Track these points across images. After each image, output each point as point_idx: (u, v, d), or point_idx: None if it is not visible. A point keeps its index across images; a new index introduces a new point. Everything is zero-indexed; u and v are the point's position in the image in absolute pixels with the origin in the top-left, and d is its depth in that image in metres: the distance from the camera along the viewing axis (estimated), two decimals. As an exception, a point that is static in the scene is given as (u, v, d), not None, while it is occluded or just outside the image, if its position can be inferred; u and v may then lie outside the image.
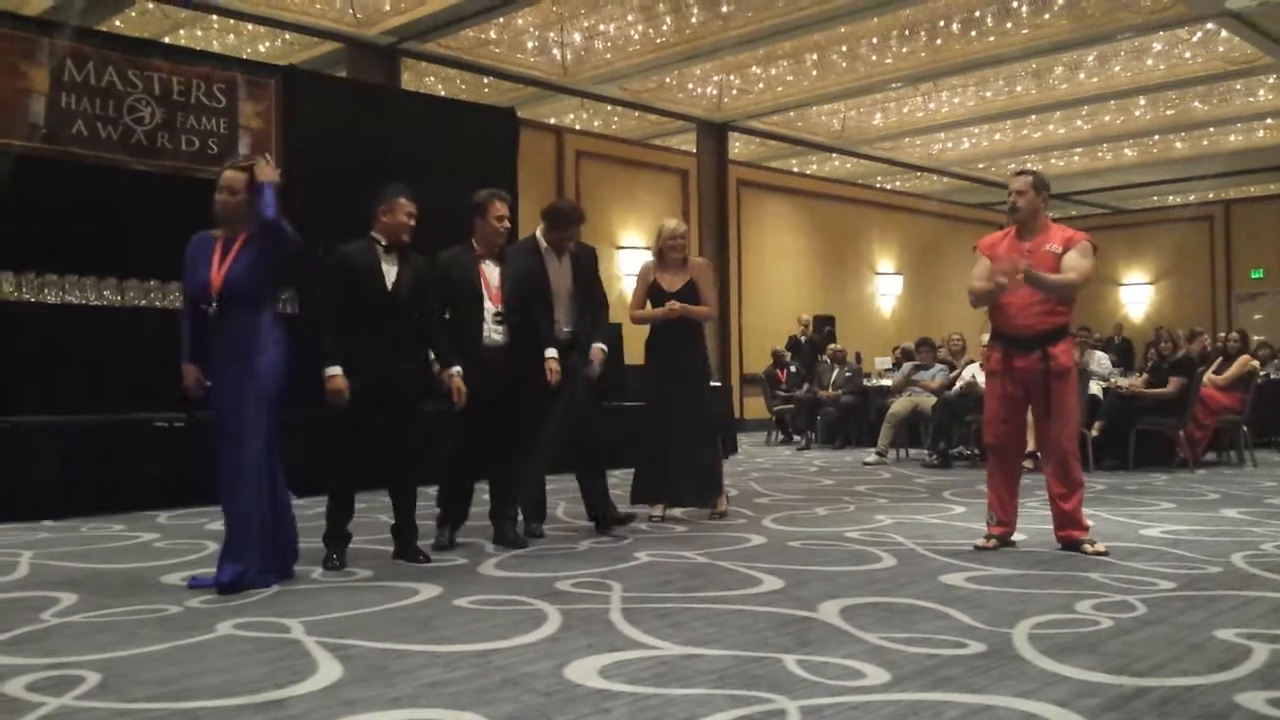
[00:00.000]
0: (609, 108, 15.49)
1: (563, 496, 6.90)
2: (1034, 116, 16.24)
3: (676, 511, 6.62)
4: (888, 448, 10.83)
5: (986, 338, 10.59)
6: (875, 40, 13.10)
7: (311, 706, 2.83)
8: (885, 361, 13.76)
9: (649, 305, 6.52)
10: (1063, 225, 5.42)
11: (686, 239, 6.60)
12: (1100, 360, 10.87)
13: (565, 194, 13.94)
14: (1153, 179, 20.15)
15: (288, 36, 12.22)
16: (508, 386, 5.43)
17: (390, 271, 4.97)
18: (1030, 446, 6.76)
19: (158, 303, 7.98)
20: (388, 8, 11.55)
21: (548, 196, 14.12)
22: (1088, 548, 5.08)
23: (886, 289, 19.25)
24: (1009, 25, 12.47)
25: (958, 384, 10.50)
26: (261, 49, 12.47)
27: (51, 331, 7.44)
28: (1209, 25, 12.44)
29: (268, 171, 4.47)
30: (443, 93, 13.91)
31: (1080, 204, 21.71)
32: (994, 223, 21.29)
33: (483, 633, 3.62)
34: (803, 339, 15.10)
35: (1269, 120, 16.49)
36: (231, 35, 12.25)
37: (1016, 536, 5.43)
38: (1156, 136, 17.41)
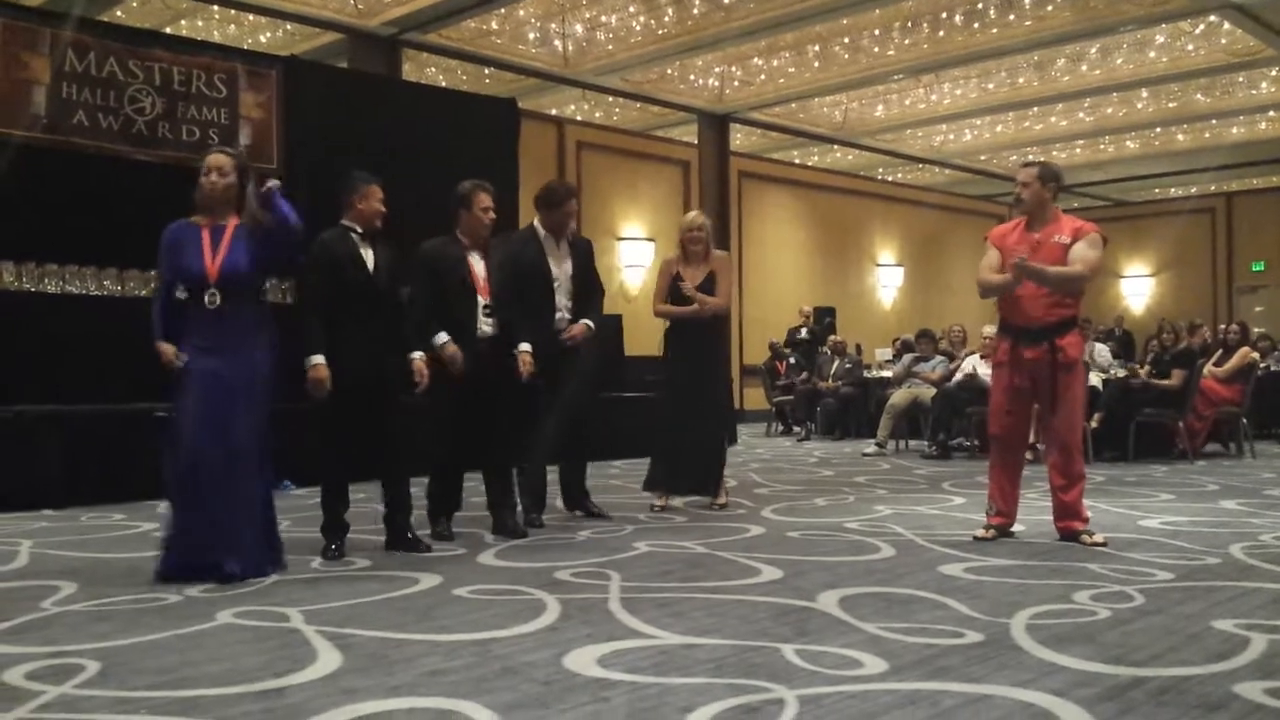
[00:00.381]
0: (610, 99, 15.47)
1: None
2: (1036, 108, 16.23)
3: (677, 502, 6.64)
4: (887, 439, 10.84)
5: (988, 330, 10.65)
6: (877, 32, 13.09)
7: (311, 695, 2.84)
8: (885, 353, 13.76)
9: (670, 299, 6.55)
10: (1073, 216, 5.38)
11: (705, 231, 6.58)
12: (1100, 352, 10.87)
13: (550, 188, 13.90)
14: (1154, 171, 20.14)
15: (289, 27, 12.22)
16: (497, 378, 5.44)
17: (369, 258, 4.97)
18: (1032, 438, 6.76)
19: (158, 293, 7.99)
20: (389, -2, 11.55)
21: (549, 188, 14.17)
22: (1086, 539, 5.08)
23: (887, 281, 19.24)
24: (1011, 17, 12.46)
25: (957, 375, 10.50)
26: (263, 39, 12.46)
27: (52, 321, 7.45)
28: (1211, 17, 12.43)
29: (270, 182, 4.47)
30: (444, 84, 13.90)
31: (1082, 196, 21.69)
32: (996, 215, 21.32)
33: (482, 622, 3.62)
34: (803, 331, 15.09)
35: (1271, 113, 16.47)
36: (232, 26, 12.24)
37: (1015, 527, 5.43)
38: (1158, 129, 17.40)
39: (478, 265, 5.47)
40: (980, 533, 5.32)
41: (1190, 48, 13.54)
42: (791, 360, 14.13)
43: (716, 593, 4.08)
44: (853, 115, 16.62)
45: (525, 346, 5.57)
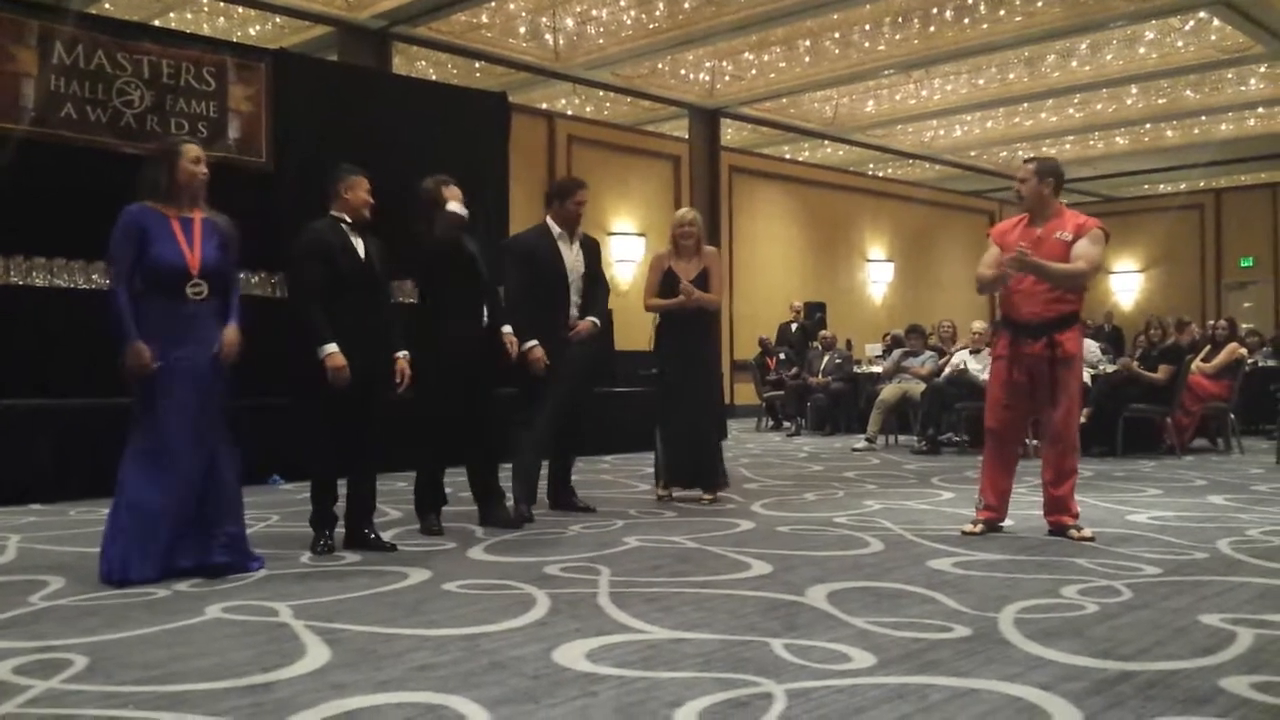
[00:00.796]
0: (601, 93, 15.46)
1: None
2: (1026, 104, 16.27)
3: (675, 493, 6.72)
4: (877, 434, 10.85)
5: (977, 325, 10.67)
6: (868, 27, 13.10)
7: (299, 690, 2.83)
8: (876, 348, 13.78)
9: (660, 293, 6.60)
10: (1077, 211, 5.37)
11: (697, 227, 6.67)
12: (1089, 348, 10.89)
13: (562, 180, 13.91)
14: (1144, 167, 20.21)
15: (278, 20, 12.18)
16: (485, 369, 5.44)
17: (359, 247, 4.95)
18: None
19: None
20: (378, -9, 11.52)
21: (540, 182, 14.12)
22: (1074, 533, 5.10)
23: (877, 276, 19.27)
24: (1002, 13, 12.48)
25: (947, 370, 10.53)
26: (252, 32, 12.42)
27: (40, 315, 7.41)
28: (1201, 14, 12.46)
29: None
30: (434, 77, 13.87)
31: (1071, 192, 21.73)
32: (986, 210, 21.38)
33: (471, 617, 3.62)
34: (794, 326, 15.10)
35: (1260, 109, 16.53)
36: (221, 18, 12.20)
37: (1004, 522, 5.44)
38: (1148, 125, 17.46)
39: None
40: (968, 527, 5.33)
41: (1180, 44, 13.58)
42: (782, 355, 14.15)
43: (705, 587, 4.08)
44: (843, 110, 16.64)
45: (508, 328, 5.62)
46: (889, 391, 10.95)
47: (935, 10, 12.52)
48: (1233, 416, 10.18)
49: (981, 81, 15.22)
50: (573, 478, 6.42)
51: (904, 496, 6.84)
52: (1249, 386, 10.68)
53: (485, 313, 5.53)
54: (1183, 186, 21.58)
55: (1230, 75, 14.91)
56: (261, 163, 8.86)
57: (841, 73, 14.46)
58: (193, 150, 4.40)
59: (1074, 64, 14.37)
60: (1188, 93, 15.73)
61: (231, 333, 4.39)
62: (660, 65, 14.46)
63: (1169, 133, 17.99)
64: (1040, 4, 12.22)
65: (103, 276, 7.90)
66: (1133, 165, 20.06)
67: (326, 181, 5.00)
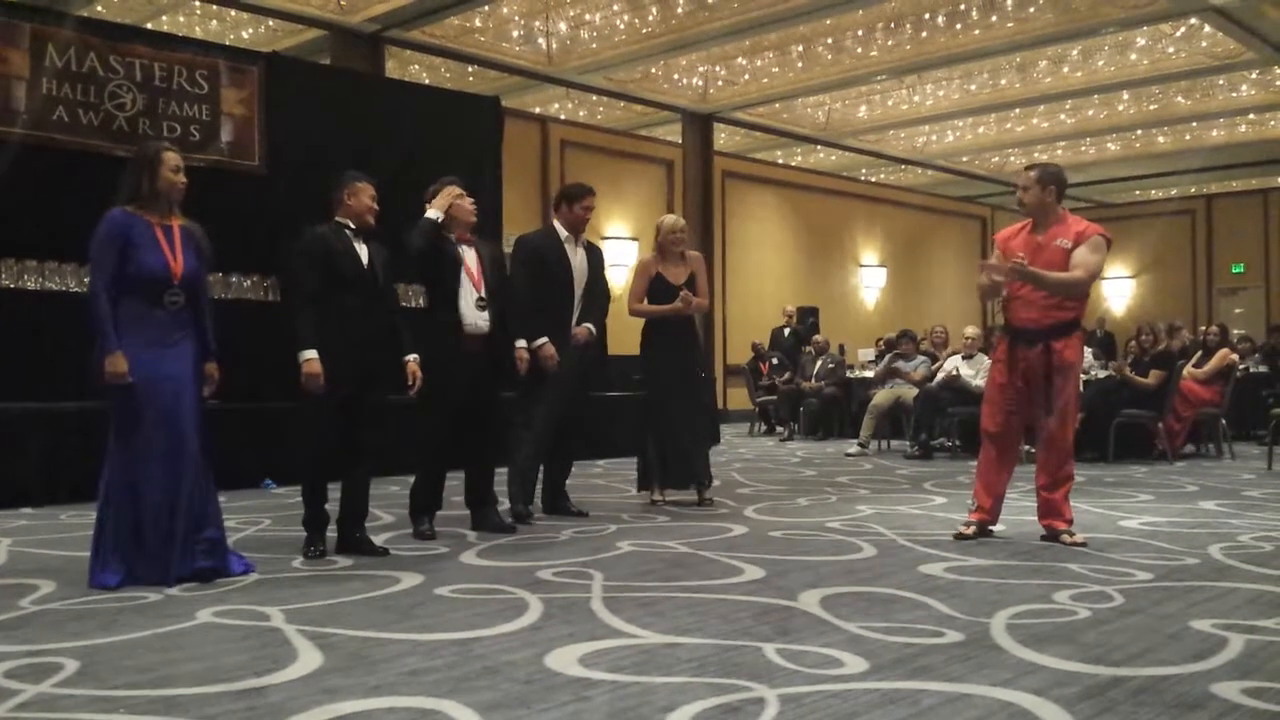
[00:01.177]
0: (594, 98, 15.47)
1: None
2: (1018, 110, 16.32)
3: (673, 495, 6.76)
4: (870, 439, 10.87)
5: (969, 330, 10.69)
6: (860, 33, 13.13)
7: (291, 694, 2.82)
8: (868, 353, 13.80)
9: (647, 299, 6.68)
10: (1080, 218, 5.38)
11: (686, 233, 6.85)
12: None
13: (550, 184, 13.93)
14: (1135, 173, 20.27)
15: (271, 23, 12.17)
16: (489, 373, 5.45)
17: (363, 253, 4.95)
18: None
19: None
20: (372, -5, 11.52)
21: (533, 186, 14.16)
22: (1066, 538, 5.11)
23: (870, 281, 19.29)
24: (994, 19, 12.51)
25: (939, 375, 10.54)
26: (245, 35, 12.41)
27: (31, 318, 7.40)
28: (1192, 20, 12.51)
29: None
30: (427, 81, 13.86)
31: (1063, 197, 21.76)
32: (978, 216, 21.42)
33: (463, 621, 3.62)
34: (787, 330, 15.12)
35: (1251, 115, 16.59)
36: (214, 21, 12.18)
37: (997, 527, 5.45)
38: (1139, 131, 17.51)
39: (468, 257, 5.48)
40: (961, 529, 5.35)
41: (1171, 50, 13.63)
42: (774, 360, 14.16)
43: (698, 592, 4.08)
44: (836, 116, 16.67)
45: (521, 343, 5.71)
46: (882, 396, 10.96)
47: (928, 16, 12.56)
48: (1224, 422, 10.21)
49: (974, 87, 15.26)
50: (566, 482, 6.43)
51: (896, 501, 6.85)
52: (1240, 392, 10.71)
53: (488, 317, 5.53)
54: (1174, 192, 21.65)
55: (1221, 82, 14.97)
56: (254, 166, 8.85)
57: (834, 78, 14.48)
58: (173, 158, 4.39)
59: (1066, 70, 14.42)
60: (1179, 99, 15.79)
61: (212, 369, 4.46)
62: (653, 70, 14.47)
63: (1160, 139, 18.06)
64: (1032, 10, 12.26)
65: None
66: (1124, 171, 20.12)
67: (331, 187, 5.00)
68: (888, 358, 11.60)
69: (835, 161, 19.42)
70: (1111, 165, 19.68)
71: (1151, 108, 16.16)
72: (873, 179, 20.64)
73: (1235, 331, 13.62)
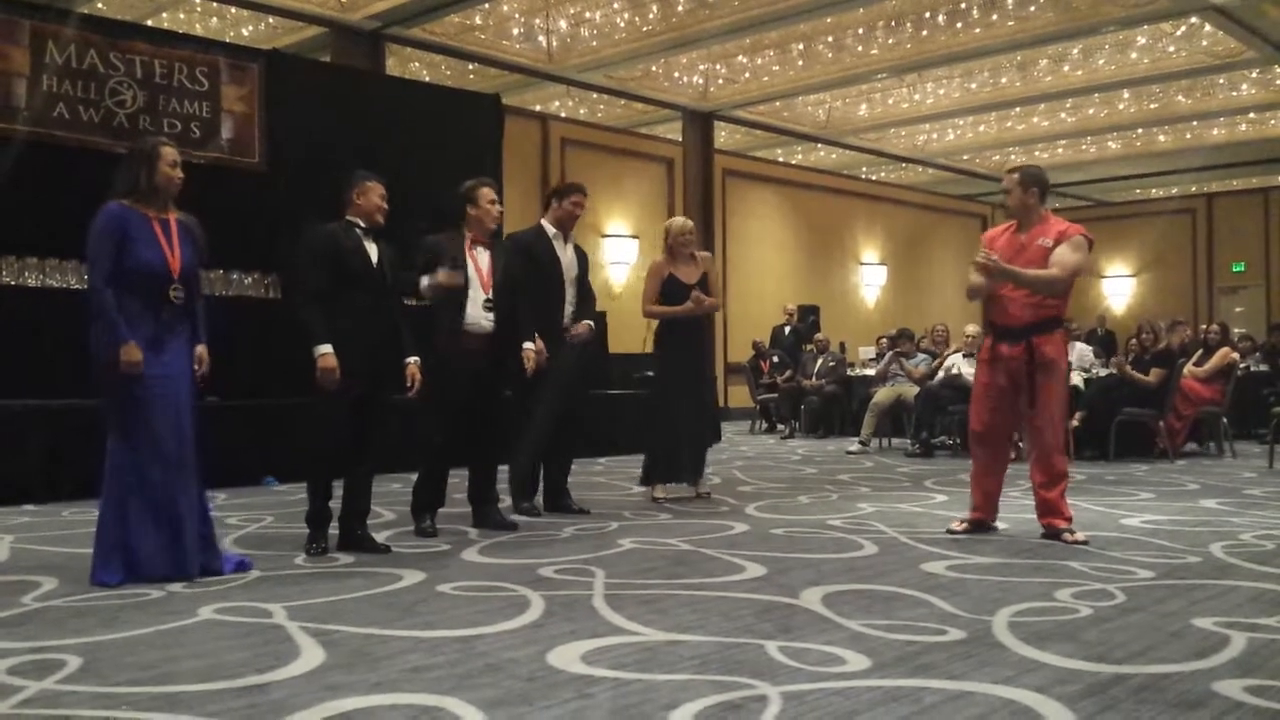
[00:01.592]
0: (595, 96, 15.46)
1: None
2: (1019, 109, 16.31)
3: (677, 492, 6.84)
4: (871, 437, 10.86)
5: (970, 329, 10.69)
6: (861, 31, 13.12)
7: (293, 691, 2.82)
8: (869, 351, 13.80)
9: (661, 299, 6.77)
10: (1062, 219, 5.40)
11: (696, 234, 7.00)
12: (1081, 352, 10.93)
13: (551, 182, 13.92)
14: (1136, 172, 20.26)
15: (271, 20, 12.16)
16: (491, 373, 5.47)
17: (372, 252, 4.96)
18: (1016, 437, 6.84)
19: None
20: (372, -8, 11.51)
21: (533, 184, 14.15)
22: (1067, 536, 5.12)
23: (871, 279, 19.29)
24: (994, 17, 12.51)
25: (940, 374, 10.54)
26: (245, 33, 12.39)
27: (32, 315, 7.40)
28: (1193, 19, 12.51)
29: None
30: (427, 79, 13.85)
31: (1063, 196, 21.80)
32: (978, 214, 21.41)
33: (465, 618, 3.62)
34: (787, 329, 15.11)
35: (1251, 114, 16.59)
36: (214, 18, 12.17)
37: (999, 525, 5.46)
38: (1140, 130, 17.51)
39: (481, 259, 5.49)
40: (955, 525, 5.39)
41: (1171, 49, 13.62)
42: (775, 359, 14.16)
43: (700, 589, 4.08)
44: (836, 114, 16.66)
45: (530, 345, 5.70)
46: (883, 394, 10.96)
47: (928, 15, 12.54)
48: (1225, 421, 10.21)
49: (974, 86, 15.25)
50: (568, 481, 6.43)
51: (898, 499, 6.85)
52: (1241, 391, 10.71)
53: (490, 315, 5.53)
54: (1175, 191, 21.64)
55: (1222, 81, 14.96)
56: (254, 163, 8.86)
57: (834, 76, 14.48)
58: (171, 153, 4.38)
59: (1066, 69, 14.41)
60: (1180, 98, 15.78)
61: (202, 351, 4.41)
62: (654, 68, 14.46)
63: (1161, 137, 18.05)
64: (1033, 9, 12.25)
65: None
66: (1125, 170, 20.12)
67: (341, 186, 5.01)
68: (888, 355, 11.60)
69: (836, 160, 19.42)
70: (1112, 164, 19.68)
71: (1152, 106, 16.15)
72: (873, 177, 20.64)
73: (1236, 330, 13.62)
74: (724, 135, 17.24)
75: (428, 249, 5.41)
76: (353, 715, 2.64)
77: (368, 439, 4.97)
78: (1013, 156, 18.83)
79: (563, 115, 15.74)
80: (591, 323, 6.33)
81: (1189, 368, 10.16)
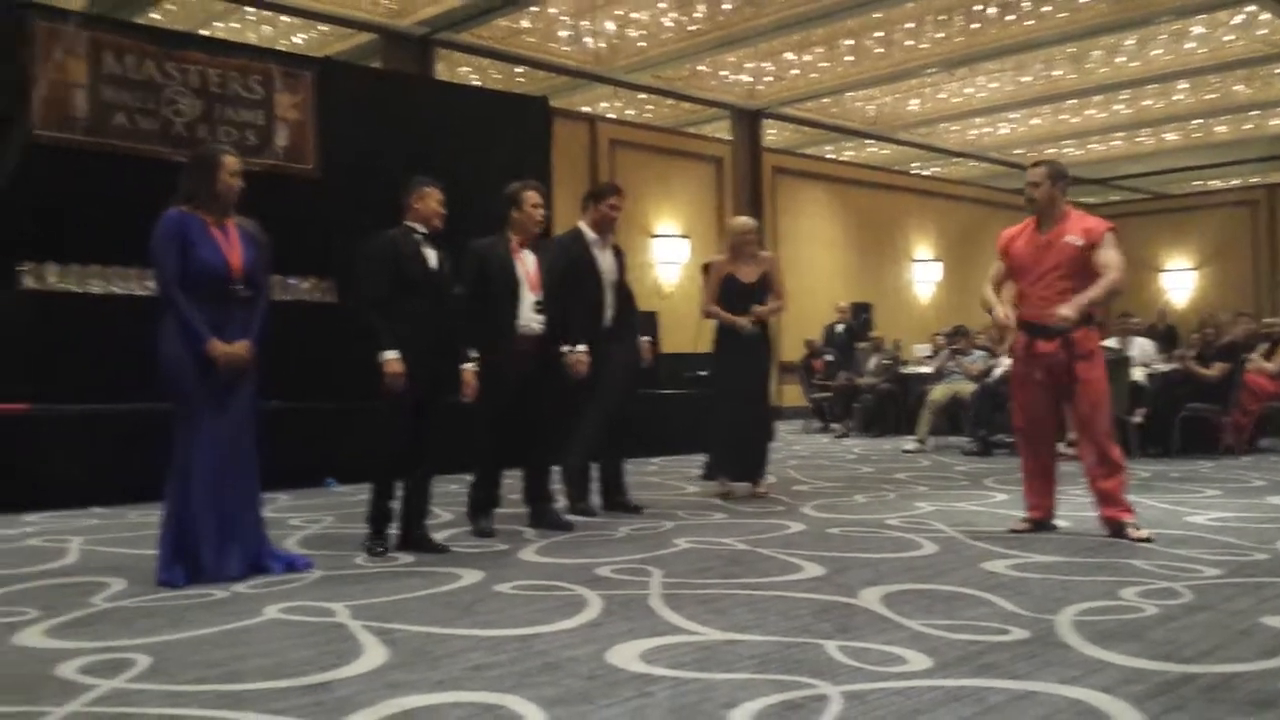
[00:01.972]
0: (642, 96, 15.46)
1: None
2: (1072, 101, 16.04)
3: (739, 489, 6.92)
4: (927, 435, 10.76)
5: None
6: (910, 25, 13.00)
7: (357, 689, 2.86)
8: (924, 349, 13.67)
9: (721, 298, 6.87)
10: (1082, 212, 5.33)
11: (757, 234, 7.04)
12: (1142, 347, 10.74)
13: (599, 183, 13.96)
14: (1195, 163, 19.86)
15: (323, 28, 12.30)
16: (542, 374, 5.50)
17: (431, 257, 5.01)
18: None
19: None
20: (421, -2, 11.61)
21: (582, 185, 14.09)
22: (1131, 531, 5.03)
23: (924, 276, 19.10)
24: (1046, 8, 12.33)
25: (998, 370, 10.41)
26: (297, 40, 12.56)
27: (97, 321, 7.54)
28: (1250, 7, 12.24)
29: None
30: (476, 82, 13.95)
31: (1121, 189, 21.44)
32: (1032, 209, 21.06)
33: (524, 617, 3.64)
34: (840, 327, 15.02)
35: (1313, 103, 16.21)
36: (267, 27, 12.34)
37: (1059, 522, 5.39)
38: (1198, 120, 17.15)
39: (528, 262, 5.52)
40: (1015, 524, 5.33)
41: (1228, 38, 13.34)
42: (829, 357, 14.07)
43: (758, 589, 4.07)
44: (886, 109, 16.53)
45: (580, 348, 5.70)
46: (938, 392, 10.85)
47: (978, 7, 12.40)
48: (1291, 416, 10.00)
49: (1026, 78, 15.04)
50: (623, 478, 6.44)
51: (956, 498, 6.78)
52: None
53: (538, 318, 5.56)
54: (1235, 183, 21.20)
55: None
56: (309, 170, 8.96)
57: (884, 72, 14.36)
58: (233, 162, 4.45)
59: (1121, 59, 14.17)
60: (1238, 87, 15.44)
61: (243, 347, 4.39)
62: (701, 67, 14.44)
63: (1219, 128, 17.69)
64: (1085, 0, 12.07)
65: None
66: (1183, 161, 19.73)
67: (400, 193, 5.07)
68: (945, 353, 11.49)
69: (886, 155, 19.25)
70: (1170, 156, 19.30)
71: (1210, 96, 15.82)
72: (924, 172, 20.44)
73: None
74: (773, 133, 17.16)
75: (473, 253, 5.45)
76: (416, 713, 2.67)
77: (427, 441, 5.02)
78: (1067, 149, 18.57)
79: (611, 116, 15.77)
80: (649, 339, 6.45)
81: (1256, 361, 9.95)
